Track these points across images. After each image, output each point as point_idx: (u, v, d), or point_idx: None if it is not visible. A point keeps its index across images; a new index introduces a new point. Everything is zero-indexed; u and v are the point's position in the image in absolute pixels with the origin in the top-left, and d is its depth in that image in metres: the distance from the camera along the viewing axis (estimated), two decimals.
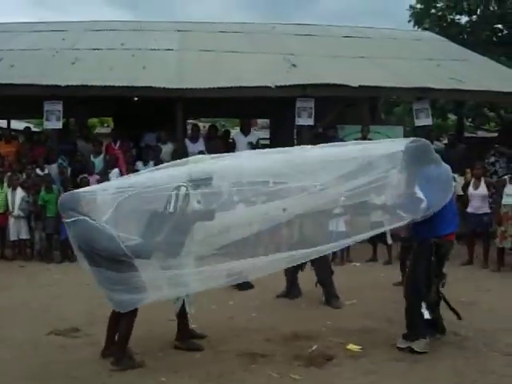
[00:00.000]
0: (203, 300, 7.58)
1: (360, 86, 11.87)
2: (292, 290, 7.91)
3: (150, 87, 11.39)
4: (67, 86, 11.38)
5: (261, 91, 11.80)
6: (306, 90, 11.85)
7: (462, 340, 6.25)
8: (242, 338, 6.33)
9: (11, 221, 10.79)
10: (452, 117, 22.07)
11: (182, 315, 6.00)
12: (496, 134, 17.94)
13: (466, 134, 18.49)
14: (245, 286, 8.25)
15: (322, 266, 7.61)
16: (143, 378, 5.31)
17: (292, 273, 7.82)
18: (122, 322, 5.61)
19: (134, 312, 5.53)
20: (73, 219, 5.31)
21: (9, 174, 11.02)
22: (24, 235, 10.81)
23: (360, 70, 13.20)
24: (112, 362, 5.52)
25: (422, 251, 5.99)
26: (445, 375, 5.33)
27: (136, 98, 14.12)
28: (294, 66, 12.98)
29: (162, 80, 11.75)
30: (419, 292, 5.99)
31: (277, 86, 11.68)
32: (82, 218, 5.30)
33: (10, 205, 10.76)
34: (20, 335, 6.44)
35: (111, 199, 5.53)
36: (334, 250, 7.21)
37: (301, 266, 7.78)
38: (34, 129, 18.07)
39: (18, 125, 19.80)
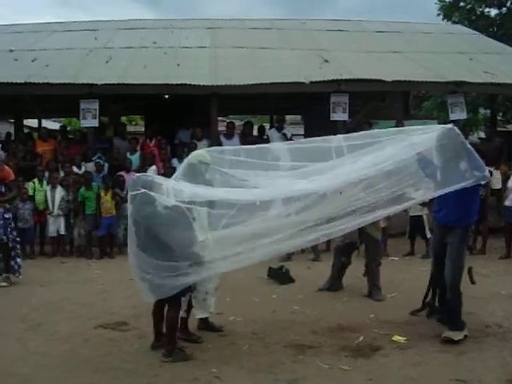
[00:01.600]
0: (246, 294, 7.76)
1: (394, 81, 11.87)
2: (334, 283, 7.96)
3: (186, 84, 11.50)
4: (104, 85, 11.54)
5: (295, 87, 11.87)
6: (339, 85, 11.90)
7: (506, 332, 6.26)
8: (288, 330, 6.39)
9: (51, 218, 10.98)
10: (482, 111, 21.92)
11: (188, 310, 6.15)
12: None
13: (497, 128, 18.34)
14: (286, 280, 8.37)
15: (373, 255, 7.77)
16: (194, 369, 5.39)
17: (339, 267, 7.91)
18: (168, 314, 5.70)
19: (178, 302, 5.64)
20: (140, 192, 5.27)
21: (48, 172, 11.20)
22: (63, 231, 10.99)
23: (393, 64, 13.21)
24: (163, 353, 5.62)
25: (464, 237, 6.20)
26: (491, 366, 5.34)
27: (167, 96, 14.26)
28: (326, 61, 13.01)
29: (196, 77, 11.87)
30: (461, 279, 6.16)
31: (311, 82, 11.72)
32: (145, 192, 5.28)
33: (49, 203, 10.95)
34: (68, 329, 6.57)
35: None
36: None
37: (348, 263, 7.92)
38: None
39: (47, 124, 20.10)
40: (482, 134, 21.06)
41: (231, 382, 5.11)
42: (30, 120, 20.07)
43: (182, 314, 6.04)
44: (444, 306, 6.50)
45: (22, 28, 16.50)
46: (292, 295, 7.82)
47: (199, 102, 12.64)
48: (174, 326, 5.70)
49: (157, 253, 5.35)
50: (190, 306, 6.15)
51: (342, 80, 11.89)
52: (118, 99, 14.45)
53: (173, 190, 5.45)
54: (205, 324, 6.41)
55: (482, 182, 5.94)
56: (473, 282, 6.62)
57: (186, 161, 6.07)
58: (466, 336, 5.98)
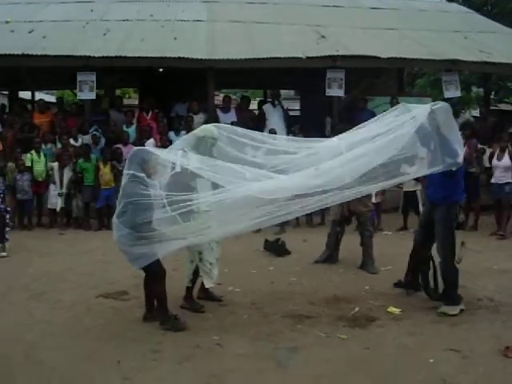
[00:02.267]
0: (244, 266, 7.92)
1: (389, 58, 11.95)
2: (330, 255, 8.14)
3: (183, 58, 11.52)
4: (101, 57, 11.55)
5: (292, 62, 11.94)
6: (336, 60, 11.97)
7: (497, 305, 6.47)
8: (286, 300, 6.58)
9: (51, 192, 11.04)
10: (474, 89, 22.04)
11: (193, 279, 6.34)
12: None
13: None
14: (282, 252, 8.54)
15: (364, 226, 8.04)
16: (196, 336, 5.57)
17: (334, 239, 8.09)
18: (151, 286, 5.89)
19: (161, 273, 5.76)
20: (130, 172, 5.52)
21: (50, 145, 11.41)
22: (62, 204, 11.01)
23: (388, 41, 13.23)
24: (160, 323, 5.81)
25: (449, 215, 6.32)
26: (484, 337, 5.56)
27: (161, 69, 14.23)
28: (323, 37, 13.04)
29: (193, 51, 11.88)
30: (454, 254, 6.33)
31: (307, 57, 11.78)
32: (133, 173, 5.51)
33: (57, 181, 10.98)
34: (71, 298, 6.74)
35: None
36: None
37: (342, 232, 8.09)
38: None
39: (40, 96, 19.94)
40: (474, 113, 21.27)
41: (232, 350, 5.29)
42: (22, 92, 19.90)
43: (187, 282, 6.21)
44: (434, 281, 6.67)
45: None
46: (289, 267, 8.01)
47: (194, 75, 12.64)
48: (160, 297, 5.83)
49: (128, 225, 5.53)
50: (195, 276, 6.29)
51: (338, 56, 11.95)
52: (113, 72, 14.42)
53: (180, 160, 5.62)
54: (205, 293, 6.57)
55: (454, 168, 6.09)
56: (459, 259, 6.70)
57: (192, 134, 6.18)
58: (462, 310, 6.18)
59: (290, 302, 6.51)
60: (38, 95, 19.56)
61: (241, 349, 5.31)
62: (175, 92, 13.71)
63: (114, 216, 5.73)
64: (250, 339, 5.53)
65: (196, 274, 6.29)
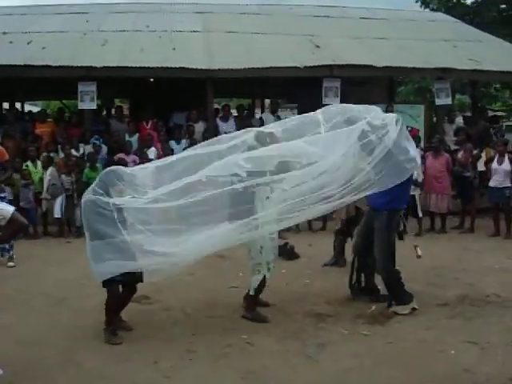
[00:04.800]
0: None
1: (384, 67, 12.33)
2: (339, 259, 8.42)
3: (184, 68, 11.76)
4: (103, 68, 11.75)
5: (289, 72, 12.26)
6: (332, 70, 12.31)
7: (504, 301, 6.82)
8: (304, 301, 6.84)
9: (58, 199, 11.02)
10: (457, 96, 22.59)
11: (259, 289, 6.38)
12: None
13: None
14: (292, 256, 8.81)
15: None
16: (226, 336, 5.83)
17: (340, 243, 8.37)
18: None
19: (112, 288, 5.95)
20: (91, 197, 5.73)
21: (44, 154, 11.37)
22: (59, 214, 11.03)
23: (381, 50, 13.61)
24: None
25: (389, 223, 6.46)
26: (496, 330, 5.91)
27: (152, 79, 14.37)
28: (317, 47, 13.39)
29: (193, 61, 12.14)
30: (394, 262, 6.60)
31: (305, 67, 12.11)
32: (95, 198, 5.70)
33: (44, 185, 11.00)
34: (93, 303, 6.74)
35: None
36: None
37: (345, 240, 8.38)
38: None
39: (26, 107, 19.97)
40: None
41: (263, 348, 5.57)
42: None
43: (251, 292, 6.36)
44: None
45: (11, 10, 16.44)
46: (300, 270, 8.27)
47: (186, 84, 12.86)
48: (109, 309, 5.99)
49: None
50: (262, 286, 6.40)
51: (334, 65, 12.29)
52: (109, 82, 14.58)
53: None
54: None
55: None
56: (418, 256, 7.19)
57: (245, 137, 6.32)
58: (414, 309, 6.44)
59: (307, 302, 6.78)
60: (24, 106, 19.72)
61: (271, 346, 5.58)
62: (172, 101, 13.94)
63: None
64: (278, 337, 5.79)
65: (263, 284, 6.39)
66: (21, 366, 5.09)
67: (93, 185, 5.86)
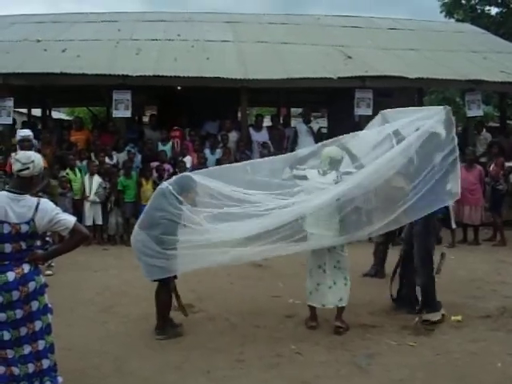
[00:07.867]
0: (294, 279, 8.20)
1: (416, 78, 12.39)
2: (379, 270, 8.49)
3: (220, 78, 11.90)
4: (139, 76, 11.91)
5: (322, 82, 12.40)
6: (365, 81, 12.40)
7: None
8: (347, 311, 6.83)
9: (86, 206, 11.22)
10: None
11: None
12: None
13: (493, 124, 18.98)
14: None
15: None
16: (274, 346, 5.90)
17: (383, 253, 8.44)
18: (160, 293, 6.22)
19: (169, 283, 6.16)
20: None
21: (86, 160, 11.54)
22: (99, 221, 11.25)
23: (411, 61, 13.70)
24: (157, 332, 6.17)
25: (429, 226, 6.68)
26: None
27: (179, 87, 14.48)
28: (349, 57, 13.48)
29: (228, 70, 12.31)
30: (432, 265, 6.81)
31: (338, 78, 12.20)
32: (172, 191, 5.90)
33: (87, 189, 11.18)
34: (139, 311, 6.93)
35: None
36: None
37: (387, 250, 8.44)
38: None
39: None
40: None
41: (313, 357, 5.64)
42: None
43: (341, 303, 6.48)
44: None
45: (42, 18, 16.74)
46: None
47: (217, 94, 12.99)
48: (164, 307, 6.20)
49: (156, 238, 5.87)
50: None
51: (367, 76, 12.38)
52: (139, 91, 14.73)
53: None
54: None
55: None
56: (438, 270, 7.05)
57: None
58: (443, 315, 6.55)
59: (350, 313, 6.76)
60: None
61: (320, 357, 5.65)
62: (203, 110, 14.05)
63: (137, 225, 6.10)
64: (326, 348, 5.87)
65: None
66: (74, 375, 5.10)
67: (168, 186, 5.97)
